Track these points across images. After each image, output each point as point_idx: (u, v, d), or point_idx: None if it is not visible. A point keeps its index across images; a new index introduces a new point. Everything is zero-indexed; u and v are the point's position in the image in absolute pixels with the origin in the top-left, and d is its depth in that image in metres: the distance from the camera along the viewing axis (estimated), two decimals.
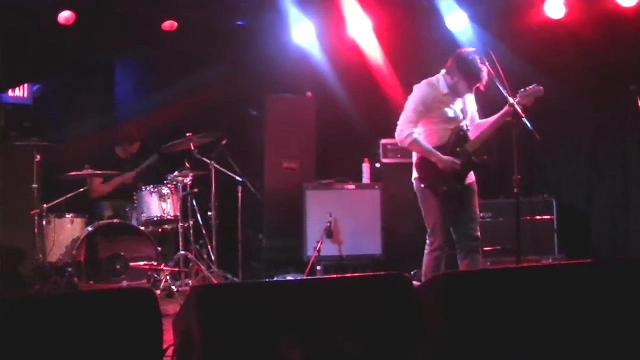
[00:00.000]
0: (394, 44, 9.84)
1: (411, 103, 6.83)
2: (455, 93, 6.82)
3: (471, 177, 6.94)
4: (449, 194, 6.72)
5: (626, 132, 9.26)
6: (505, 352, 4.06)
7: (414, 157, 6.95)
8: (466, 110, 6.91)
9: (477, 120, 7.04)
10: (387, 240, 9.69)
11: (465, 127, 6.86)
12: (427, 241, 6.84)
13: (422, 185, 6.82)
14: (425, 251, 6.84)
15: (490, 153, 10.09)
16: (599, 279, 4.40)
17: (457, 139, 6.77)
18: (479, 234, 6.88)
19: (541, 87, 6.71)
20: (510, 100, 6.55)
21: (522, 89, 6.69)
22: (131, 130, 9.42)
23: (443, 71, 6.88)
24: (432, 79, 6.89)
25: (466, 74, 6.72)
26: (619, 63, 9.16)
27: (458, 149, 6.76)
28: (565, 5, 9.12)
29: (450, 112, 6.80)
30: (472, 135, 6.89)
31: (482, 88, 6.79)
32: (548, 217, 9.41)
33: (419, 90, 6.85)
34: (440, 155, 6.70)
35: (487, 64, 6.65)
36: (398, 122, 6.85)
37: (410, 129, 6.74)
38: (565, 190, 9.86)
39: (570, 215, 9.60)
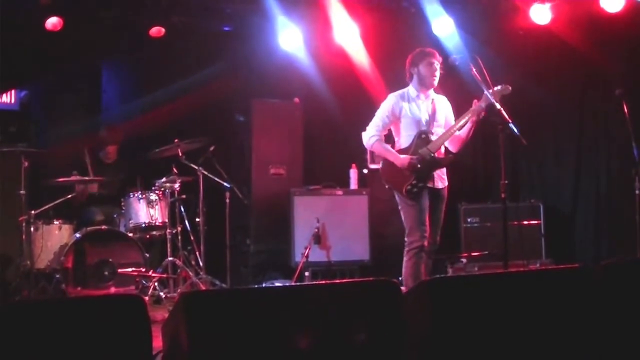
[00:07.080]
0: (381, 50, 9.86)
1: (380, 111, 7.22)
2: (424, 87, 7.14)
3: (443, 182, 7.18)
4: (411, 192, 6.94)
5: (611, 136, 9.30)
6: (492, 358, 4.08)
7: (380, 163, 7.36)
8: (435, 114, 7.16)
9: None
10: (374, 245, 9.68)
11: (427, 130, 7.09)
12: (406, 243, 7.00)
13: (387, 187, 7.18)
14: (404, 254, 6.99)
15: (475, 159, 10.20)
16: (587, 283, 4.42)
17: (418, 141, 7.03)
18: (438, 239, 7.17)
19: (509, 87, 6.86)
20: (497, 106, 6.60)
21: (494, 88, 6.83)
22: (103, 134, 9.36)
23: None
24: (402, 90, 7.24)
25: (417, 59, 7.11)
26: (604, 68, 9.22)
27: (420, 150, 6.99)
28: (551, 11, 9.17)
29: (416, 116, 7.10)
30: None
31: (439, 60, 7.08)
32: (535, 221, 9.45)
33: (389, 100, 7.21)
34: (397, 155, 7.04)
35: (473, 68, 6.72)
36: (367, 127, 7.25)
37: (374, 132, 7.15)
38: (551, 195, 9.90)
39: (556, 220, 9.63)
